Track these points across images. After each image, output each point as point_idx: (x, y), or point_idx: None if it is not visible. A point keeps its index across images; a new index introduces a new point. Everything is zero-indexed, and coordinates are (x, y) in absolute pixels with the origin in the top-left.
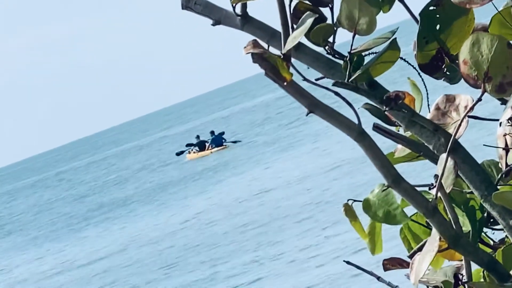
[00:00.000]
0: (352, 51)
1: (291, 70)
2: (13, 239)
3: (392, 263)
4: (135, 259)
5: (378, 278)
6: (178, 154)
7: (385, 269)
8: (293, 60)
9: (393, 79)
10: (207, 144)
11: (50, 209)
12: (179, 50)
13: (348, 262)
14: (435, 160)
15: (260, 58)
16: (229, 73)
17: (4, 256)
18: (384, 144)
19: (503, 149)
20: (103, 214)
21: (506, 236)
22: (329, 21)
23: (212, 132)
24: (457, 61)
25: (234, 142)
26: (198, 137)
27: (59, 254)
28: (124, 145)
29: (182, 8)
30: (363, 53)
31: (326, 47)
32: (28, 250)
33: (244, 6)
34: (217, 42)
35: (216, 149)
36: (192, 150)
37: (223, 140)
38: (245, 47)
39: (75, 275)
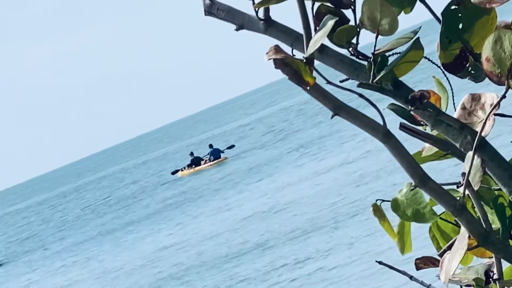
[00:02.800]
0: (375, 52)
1: (315, 73)
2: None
3: (424, 262)
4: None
5: (411, 277)
6: (173, 173)
7: (418, 268)
8: (317, 62)
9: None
10: (205, 159)
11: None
12: (205, 56)
13: (380, 262)
14: (462, 158)
15: (282, 63)
16: (257, 77)
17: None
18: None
19: None
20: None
21: None
22: (351, 22)
23: (211, 146)
24: (481, 59)
25: (230, 148)
26: (192, 153)
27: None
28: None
29: (205, 15)
30: (387, 54)
31: (350, 49)
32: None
33: (266, 10)
34: (242, 48)
35: (215, 161)
36: (185, 168)
37: (221, 152)
38: (267, 53)
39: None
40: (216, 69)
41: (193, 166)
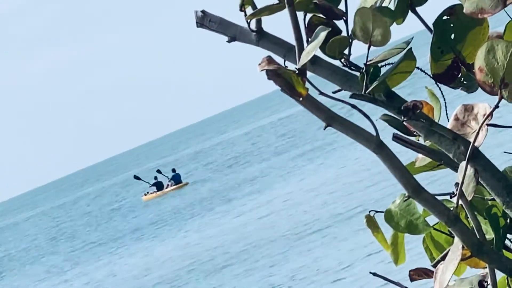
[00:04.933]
0: (368, 63)
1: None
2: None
3: (418, 273)
4: None
5: None
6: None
7: (412, 279)
8: (310, 74)
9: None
10: (167, 183)
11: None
12: (203, 66)
13: (374, 274)
14: (456, 169)
15: (275, 74)
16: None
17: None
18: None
19: None
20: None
21: None
22: (343, 33)
23: (173, 170)
24: (473, 70)
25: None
26: (155, 178)
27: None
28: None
29: (197, 26)
30: (379, 64)
31: (342, 60)
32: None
33: (259, 22)
34: (238, 58)
35: (175, 186)
36: (149, 192)
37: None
38: (259, 64)
39: None
40: (215, 79)
41: (156, 190)
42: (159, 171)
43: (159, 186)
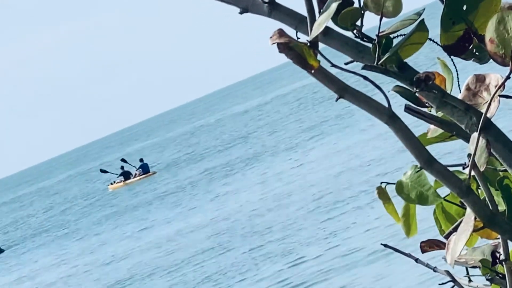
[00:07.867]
0: (380, 34)
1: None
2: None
3: (429, 245)
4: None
5: (416, 260)
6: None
7: (423, 251)
8: (321, 45)
9: None
10: (135, 173)
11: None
12: (206, 40)
13: (385, 245)
14: (468, 140)
15: (286, 47)
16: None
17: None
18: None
19: None
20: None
21: None
22: (355, 5)
23: (141, 160)
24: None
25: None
26: (122, 167)
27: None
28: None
29: None
30: (391, 36)
31: (354, 31)
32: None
33: None
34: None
35: (144, 176)
36: (115, 181)
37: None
38: (271, 37)
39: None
40: (225, 50)
41: (123, 180)
42: (123, 160)
43: (126, 175)
